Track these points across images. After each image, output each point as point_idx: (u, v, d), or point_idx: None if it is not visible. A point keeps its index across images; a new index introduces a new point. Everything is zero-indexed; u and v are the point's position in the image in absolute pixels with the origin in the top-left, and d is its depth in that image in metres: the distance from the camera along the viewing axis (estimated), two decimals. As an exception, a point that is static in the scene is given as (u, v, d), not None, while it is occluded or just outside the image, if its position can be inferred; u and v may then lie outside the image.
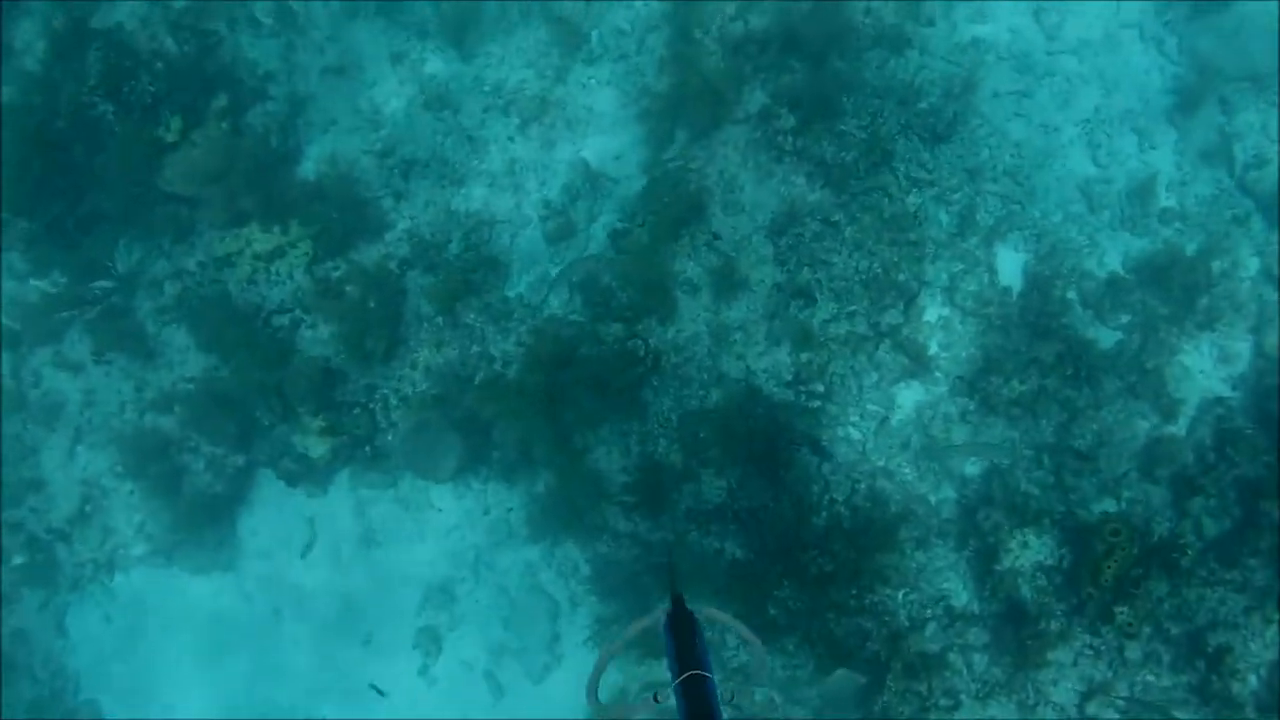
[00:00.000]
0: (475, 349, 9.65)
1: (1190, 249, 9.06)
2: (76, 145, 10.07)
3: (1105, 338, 9.01)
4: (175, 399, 10.12)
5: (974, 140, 9.43)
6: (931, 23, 9.66)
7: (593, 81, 10.17)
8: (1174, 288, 8.93)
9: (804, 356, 9.08)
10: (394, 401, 9.74)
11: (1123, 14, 9.54)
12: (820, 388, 9.05)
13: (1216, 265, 8.93)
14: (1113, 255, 9.22)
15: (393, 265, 9.91)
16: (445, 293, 9.69)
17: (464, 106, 10.34)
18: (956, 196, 9.29)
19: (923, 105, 9.41)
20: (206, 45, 10.27)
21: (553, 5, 10.24)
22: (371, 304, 9.66)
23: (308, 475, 9.99)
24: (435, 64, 10.49)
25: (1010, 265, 9.28)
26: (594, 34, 10.20)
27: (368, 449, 9.79)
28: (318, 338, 9.85)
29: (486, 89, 10.32)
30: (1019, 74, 9.61)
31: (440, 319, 9.71)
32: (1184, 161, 9.32)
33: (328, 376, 9.74)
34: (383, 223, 10.10)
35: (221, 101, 9.99)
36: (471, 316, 9.70)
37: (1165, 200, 9.28)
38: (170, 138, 9.81)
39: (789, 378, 9.09)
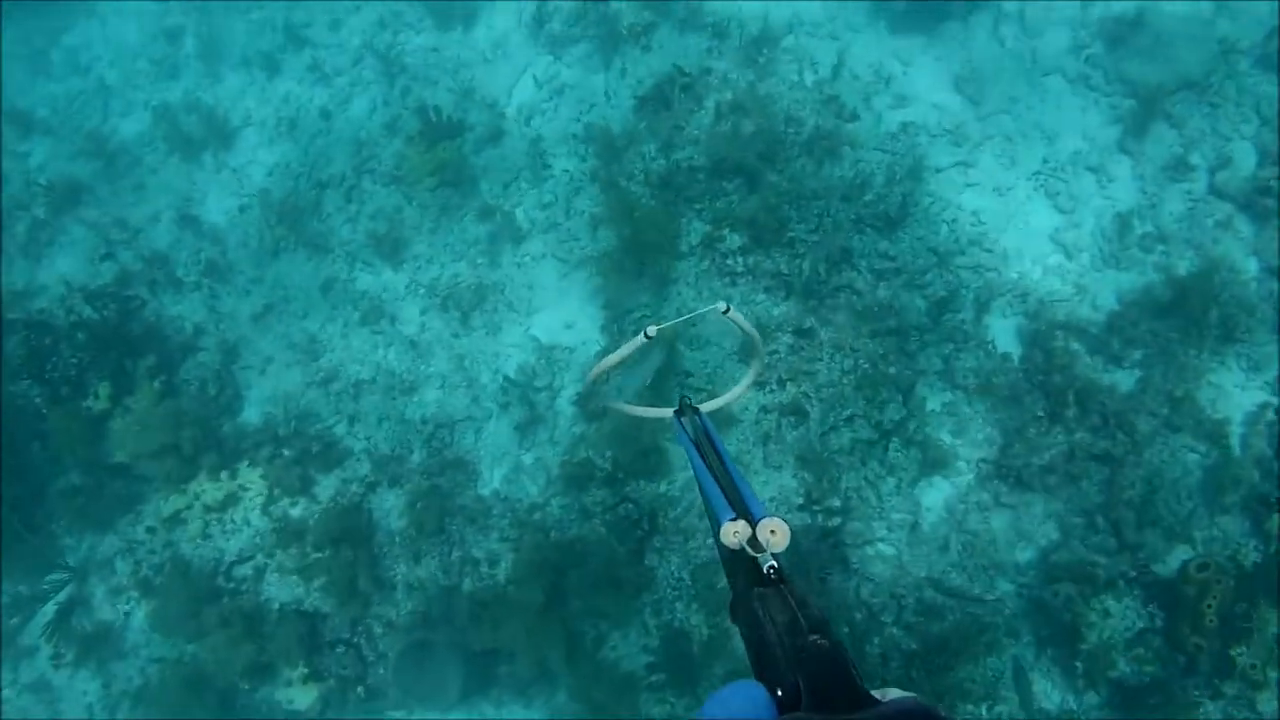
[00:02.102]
0: (456, 554, 8.78)
1: (1183, 267, 8.43)
2: (9, 440, 9.49)
3: (1124, 379, 8.23)
4: (146, 689, 9.12)
5: (930, 219, 8.95)
6: (855, 117, 9.38)
7: (527, 258, 9.76)
8: (1179, 309, 8.23)
9: (809, 475, 8.24)
10: (379, 629, 8.76)
11: (1040, 63, 9.29)
12: (836, 503, 8.16)
13: (1215, 276, 8.27)
14: (1105, 295, 8.56)
15: (354, 487, 9.17)
16: (418, 514, 8.89)
17: (401, 314, 9.89)
18: (928, 277, 8.71)
19: (868, 197, 8.98)
20: (128, 309, 9.89)
21: (471, 198, 9.95)
22: (337, 535, 8.82)
23: (303, 739, 8.88)
24: (366, 280, 10.10)
25: (1003, 332, 8.60)
26: (518, 212, 9.87)
27: (360, 690, 8.72)
28: (285, 582, 8.96)
29: (421, 291, 9.89)
30: (956, 145, 9.25)
31: (413, 530, 8.86)
32: (1147, 185, 8.82)
33: (302, 619, 8.79)
34: (339, 449, 9.43)
35: (149, 361, 9.51)
36: (445, 520, 8.87)
37: (1141, 227, 8.71)
38: (100, 406, 9.26)
39: (800, 501, 8.21)
